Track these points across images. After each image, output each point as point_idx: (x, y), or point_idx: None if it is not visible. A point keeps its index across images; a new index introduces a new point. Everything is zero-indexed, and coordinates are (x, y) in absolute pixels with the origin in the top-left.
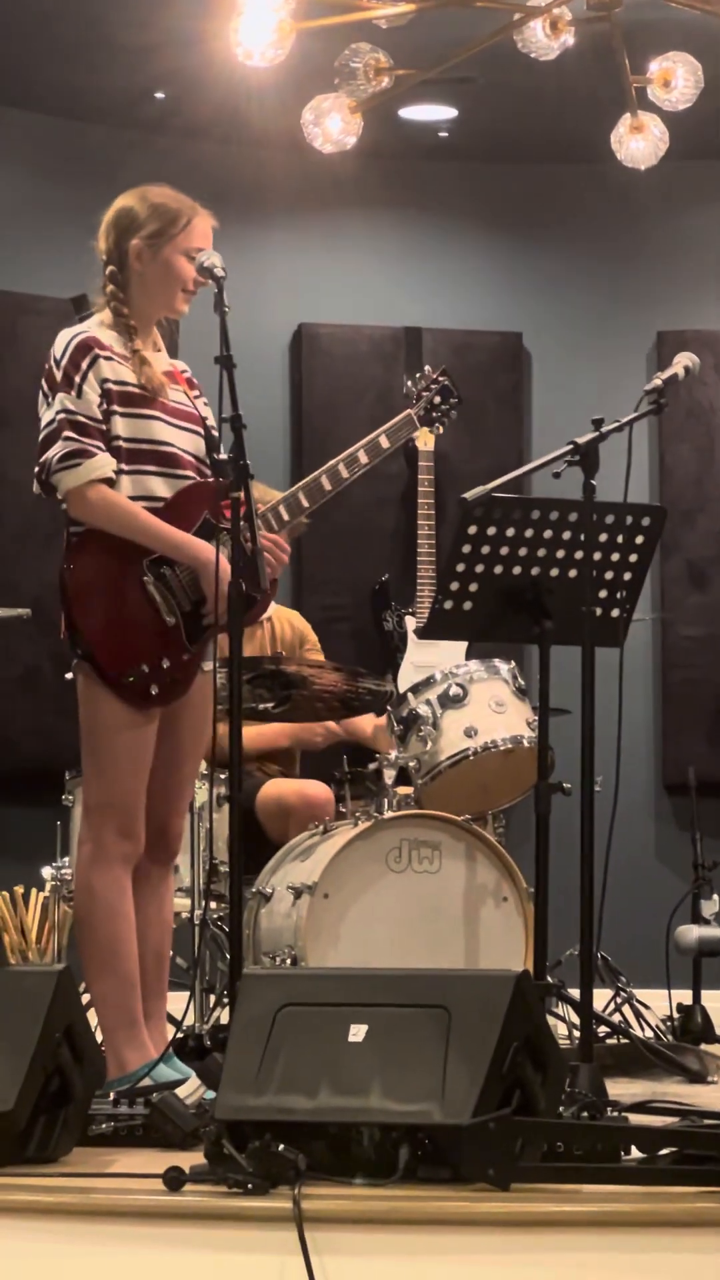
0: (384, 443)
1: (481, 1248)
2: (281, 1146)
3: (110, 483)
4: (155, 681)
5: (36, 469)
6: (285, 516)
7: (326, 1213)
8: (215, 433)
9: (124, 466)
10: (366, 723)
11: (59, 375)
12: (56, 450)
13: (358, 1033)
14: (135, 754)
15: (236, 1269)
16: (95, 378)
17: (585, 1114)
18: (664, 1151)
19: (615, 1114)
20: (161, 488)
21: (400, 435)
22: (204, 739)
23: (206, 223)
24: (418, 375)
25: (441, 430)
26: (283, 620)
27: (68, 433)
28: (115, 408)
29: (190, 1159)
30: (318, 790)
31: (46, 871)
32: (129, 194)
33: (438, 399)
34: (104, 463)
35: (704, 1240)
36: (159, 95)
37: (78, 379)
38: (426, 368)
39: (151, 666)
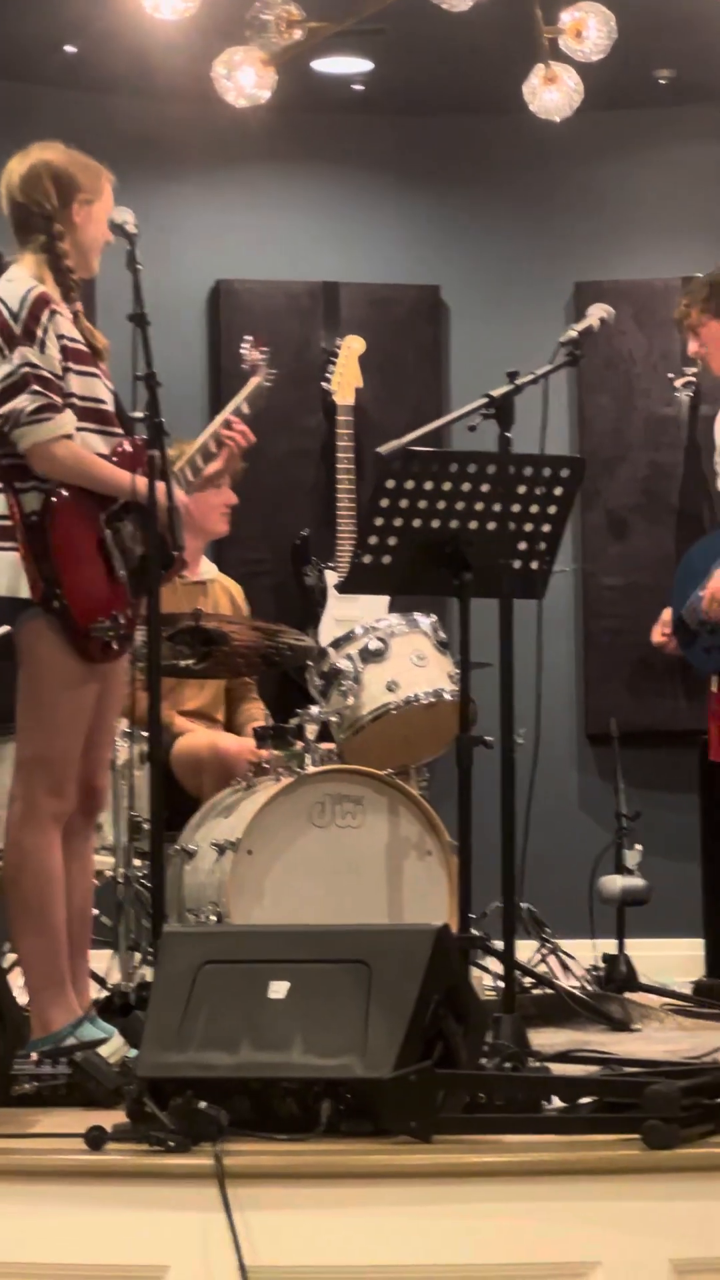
0: (245, 409)
1: (404, 1199)
2: (203, 1103)
3: (71, 440)
4: (115, 634)
5: None
6: (191, 478)
7: (249, 1168)
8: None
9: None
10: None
11: (17, 328)
12: (25, 403)
13: (279, 989)
14: (79, 711)
15: (160, 1226)
16: (54, 333)
17: (507, 1065)
18: (584, 1100)
19: (537, 1064)
20: (100, 445)
21: (256, 401)
22: (125, 695)
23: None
24: (244, 349)
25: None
26: (223, 588)
27: (35, 386)
28: (70, 364)
29: (113, 1118)
30: (231, 742)
31: None
32: (45, 149)
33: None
34: (70, 419)
35: (623, 1187)
36: (68, 48)
37: (39, 333)
38: (245, 346)
39: (114, 620)
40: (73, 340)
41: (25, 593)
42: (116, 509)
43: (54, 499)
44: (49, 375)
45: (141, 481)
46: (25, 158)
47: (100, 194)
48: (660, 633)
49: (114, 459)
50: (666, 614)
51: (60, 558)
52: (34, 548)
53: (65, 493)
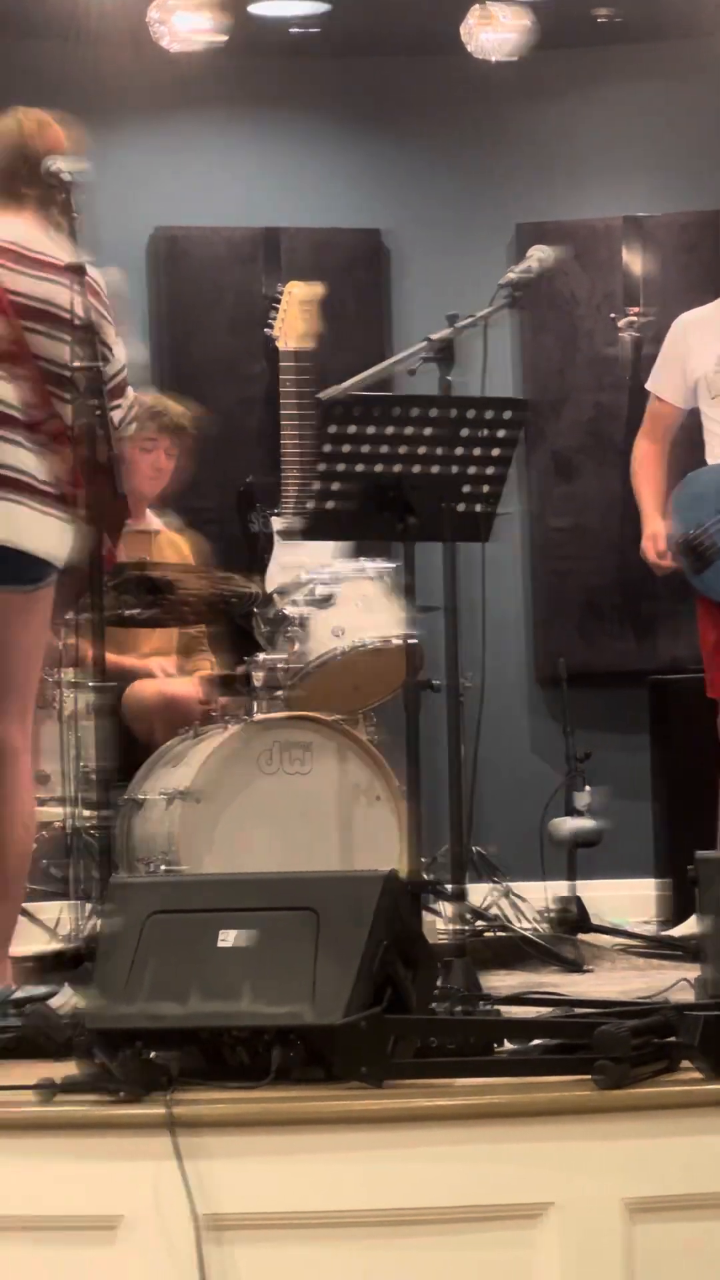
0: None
1: (356, 1145)
2: (153, 1054)
3: None
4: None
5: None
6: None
7: (200, 1117)
8: None
9: None
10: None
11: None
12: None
13: (227, 937)
14: None
15: (111, 1177)
16: None
17: (458, 1009)
18: (536, 1042)
19: (489, 1007)
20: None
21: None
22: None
23: None
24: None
25: None
26: (169, 540)
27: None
28: None
29: (64, 1070)
30: (180, 688)
31: None
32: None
33: None
34: None
35: (574, 1128)
36: None
37: None
38: None
39: None
40: None
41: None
42: None
43: None
44: None
45: None
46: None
47: None
48: (654, 550)
49: None
50: (657, 529)
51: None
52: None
53: None
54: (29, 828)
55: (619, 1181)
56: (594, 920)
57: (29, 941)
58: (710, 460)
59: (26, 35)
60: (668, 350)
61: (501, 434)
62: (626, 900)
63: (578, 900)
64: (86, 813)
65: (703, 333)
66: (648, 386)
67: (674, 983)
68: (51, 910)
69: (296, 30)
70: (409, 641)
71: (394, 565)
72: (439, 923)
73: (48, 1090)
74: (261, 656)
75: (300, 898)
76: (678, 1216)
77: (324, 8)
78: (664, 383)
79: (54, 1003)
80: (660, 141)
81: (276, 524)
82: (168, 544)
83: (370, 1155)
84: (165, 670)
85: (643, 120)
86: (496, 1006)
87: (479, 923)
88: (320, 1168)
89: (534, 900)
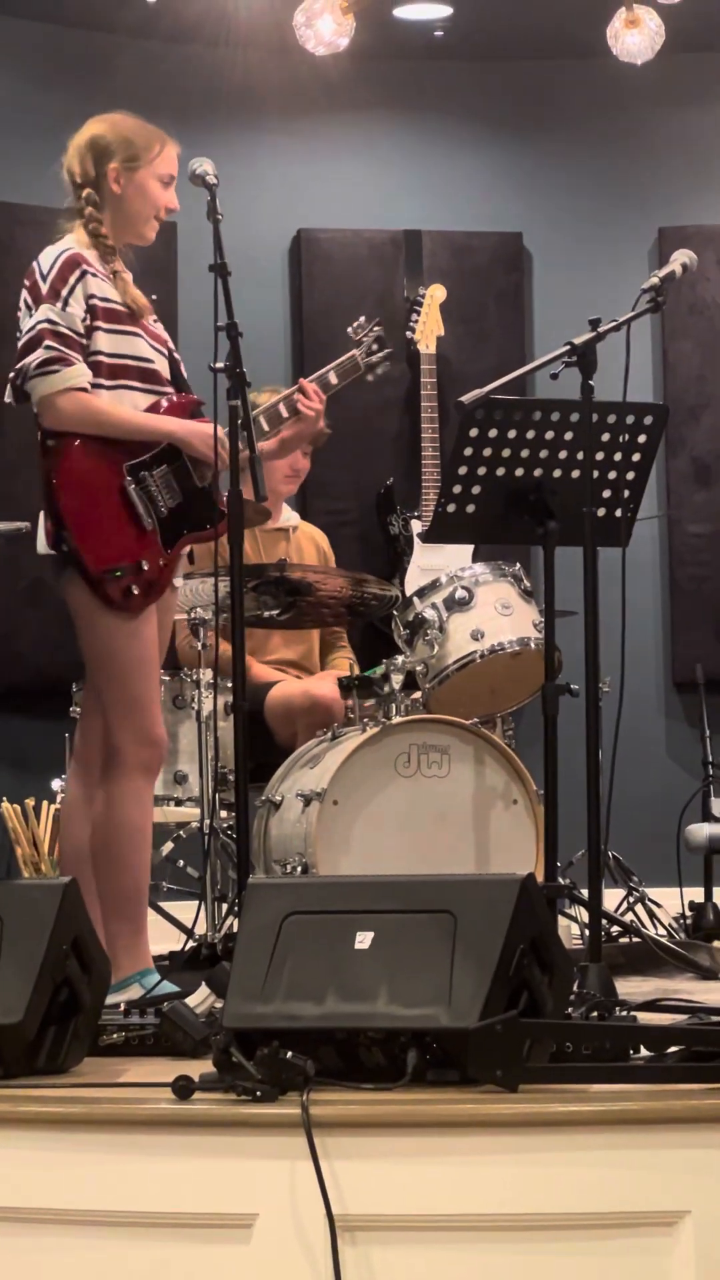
0: (333, 379)
1: (490, 1149)
2: (290, 1053)
3: (84, 393)
4: (134, 582)
5: (11, 375)
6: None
7: (335, 1118)
8: (179, 360)
9: (105, 382)
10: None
11: (45, 288)
12: (35, 357)
13: (364, 939)
14: (135, 658)
15: (247, 1175)
16: (82, 293)
17: (593, 1014)
18: (672, 1050)
19: (624, 1013)
20: (144, 402)
21: (348, 374)
22: (162, 652)
23: (175, 150)
24: (357, 325)
25: (372, 378)
26: (307, 536)
27: (49, 341)
28: (100, 323)
29: (200, 1068)
30: (324, 689)
31: (56, 784)
32: (98, 121)
33: (375, 347)
34: (80, 372)
35: (711, 1136)
36: None
37: (64, 292)
38: (361, 318)
39: (130, 567)
40: (105, 300)
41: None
42: (147, 458)
43: (60, 449)
44: (67, 331)
45: (185, 427)
46: (81, 131)
47: (148, 159)
48: None
49: (152, 408)
50: None
51: (68, 505)
52: (50, 502)
53: (76, 442)
54: (137, 846)
55: None
56: None
57: (165, 940)
58: None
59: (175, 39)
60: None
61: (641, 439)
62: None
63: (713, 906)
64: (223, 813)
65: None
66: None
67: None
68: (188, 910)
69: (438, 33)
70: (547, 645)
71: (525, 569)
72: (574, 928)
73: (185, 1088)
74: (400, 659)
75: (436, 900)
76: None
77: (466, 10)
78: None
79: (191, 1001)
80: None
81: (415, 526)
82: (306, 539)
83: (504, 1159)
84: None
85: None
86: (632, 1013)
87: (614, 928)
88: (454, 1171)
89: (669, 906)
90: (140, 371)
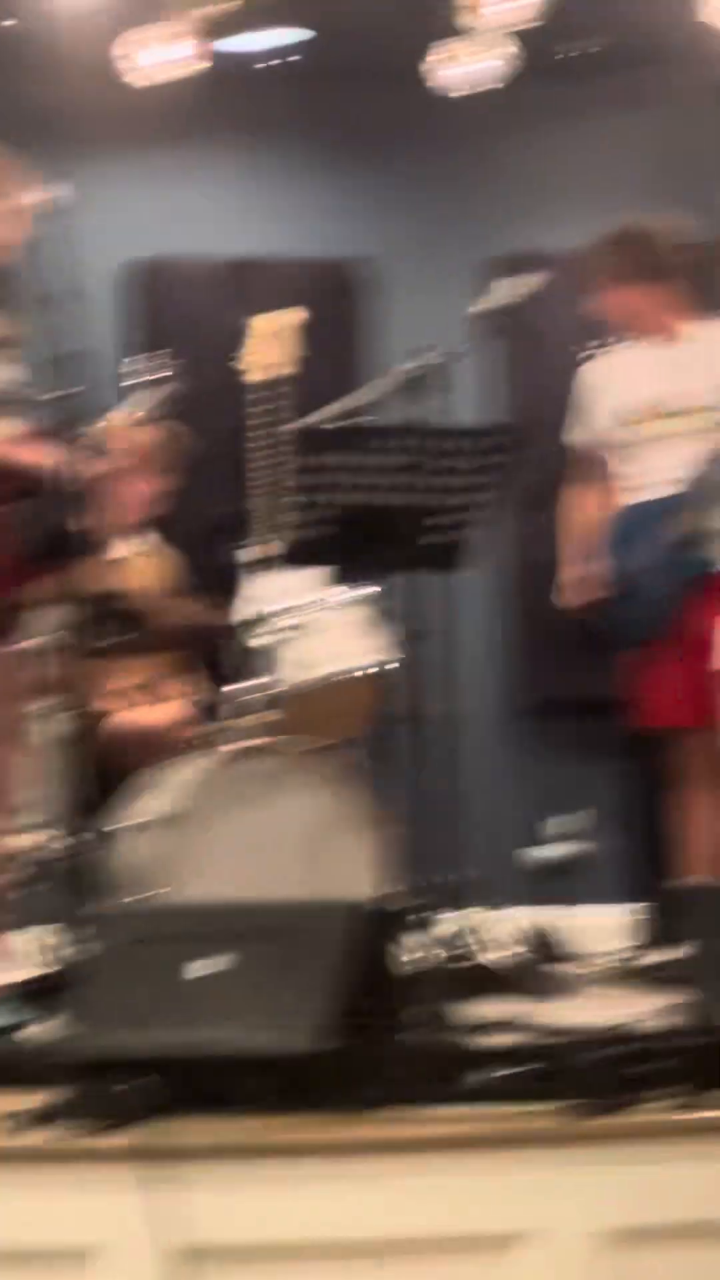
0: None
1: (329, 1174)
2: (130, 1083)
3: None
4: None
5: None
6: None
7: (174, 1147)
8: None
9: None
10: None
11: None
12: None
13: (204, 966)
14: None
15: (85, 1208)
16: None
17: (432, 1037)
18: (511, 1071)
19: (463, 1035)
20: None
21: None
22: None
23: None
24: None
25: None
26: (146, 564)
27: None
28: None
29: (37, 1100)
30: (157, 718)
31: None
32: None
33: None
34: None
35: (548, 1157)
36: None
37: None
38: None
39: None
40: None
41: None
42: None
43: None
44: None
45: (33, 460)
46: None
47: None
48: (571, 593)
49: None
50: (575, 574)
51: None
52: None
53: None
54: None
55: (593, 1211)
56: (570, 948)
57: (3, 970)
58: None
59: (2, 68)
60: (579, 398)
61: (480, 464)
62: (603, 928)
63: (554, 928)
64: (62, 842)
65: (608, 381)
66: (566, 437)
67: (650, 1010)
68: (26, 939)
69: (272, 61)
70: (384, 670)
71: (368, 594)
72: (413, 951)
73: (20, 1120)
74: (235, 686)
75: (276, 925)
76: (651, 1246)
77: (298, 38)
78: (580, 430)
79: (28, 1032)
80: (635, 172)
81: (247, 554)
82: (138, 570)
83: (343, 1185)
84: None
85: (619, 149)
86: (471, 1035)
87: (453, 951)
88: (294, 1197)
89: (509, 928)
90: None
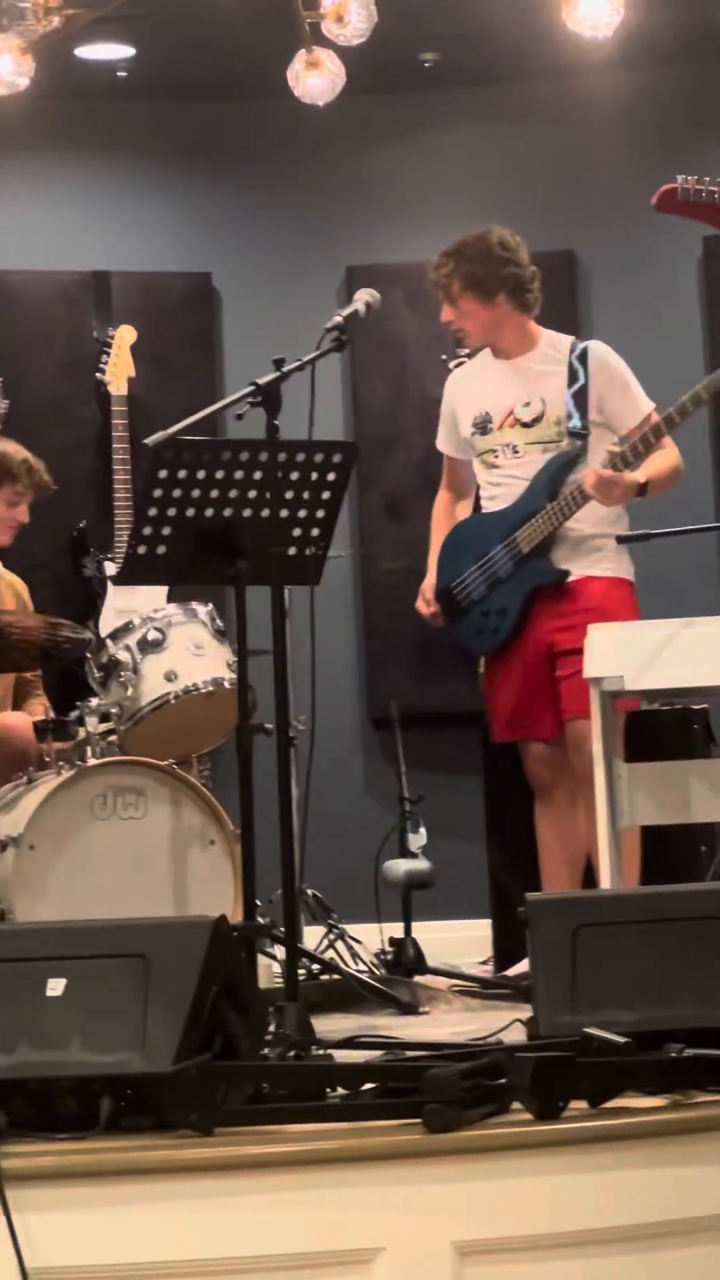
0: None
1: (185, 1194)
2: None
3: None
4: None
5: None
6: None
7: (27, 1170)
8: None
9: None
10: None
11: None
12: None
13: (55, 986)
14: None
15: None
16: None
17: (290, 1053)
18: (367, 1087)
19: (321, 1052)
20: None
21: None
22: None
23: None
24: None
25: None
26: (4, 583)
27: None
28: None
29: None
30: (14, 719)
31: None
32: None
33: None
34: None
35: (404, 1172)
36: None
37: None
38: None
39: None
40: None
41: None
42: None
43: None
44: None
45: None
46: None
47: None
48: (423, 603)
49: None
50: (428, 584)
51: None
52: None
53: None
54: None
55: (449, 1224)
56: (428, 962)
57: None
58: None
59: None
60: (443, 408)
61: (330, 477)
62: (460, 942)
63: (412, 942)
64: None
65: (465, 391)
66: (437, 444)
67: (506, 1024)
68: None
69: (122, 73)
70: (240, 685)
71: (210, 609)
72: (273, 966)
73: None
74: (94, 701)
75: (129, 944)
76: (508, 1259)
77: (149, 50)
78: (444, 439)
79: None
80: (487, 184)
81: (109, 568)
82: (4, 586)
83: (201, 1204)
84: None
85: (468, 162)
86: (329, 1051)
87: (313, 966)
88: (151, 1218)
89: (368, 942)
90: None
